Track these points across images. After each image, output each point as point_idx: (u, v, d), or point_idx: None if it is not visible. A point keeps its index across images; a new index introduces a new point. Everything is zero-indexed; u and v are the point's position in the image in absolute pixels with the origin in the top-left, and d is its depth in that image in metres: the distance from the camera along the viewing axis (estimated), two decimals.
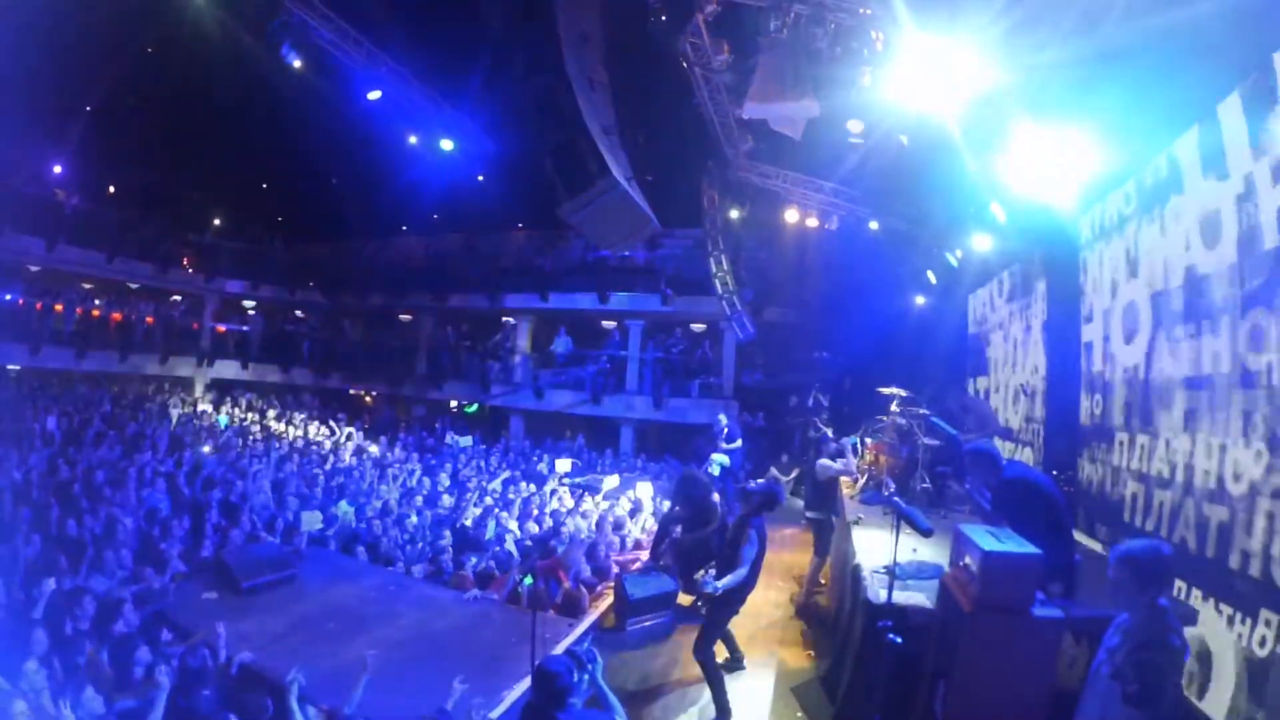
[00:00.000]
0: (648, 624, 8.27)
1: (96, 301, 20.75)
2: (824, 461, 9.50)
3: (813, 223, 15.88)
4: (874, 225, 15.16)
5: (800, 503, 11.11)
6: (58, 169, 21.91)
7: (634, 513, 12.04)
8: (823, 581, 9.29)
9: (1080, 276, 8.87)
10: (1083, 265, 8.85)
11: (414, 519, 10.56)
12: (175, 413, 18.68)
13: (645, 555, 10.17)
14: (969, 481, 5.99)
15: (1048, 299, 9.95)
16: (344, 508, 10.52)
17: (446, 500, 11.81)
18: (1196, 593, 5.41)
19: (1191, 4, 4.92)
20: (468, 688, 5.28)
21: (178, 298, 23.95)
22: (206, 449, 13.87)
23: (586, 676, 4.52)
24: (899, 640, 5.12)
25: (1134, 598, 3.43)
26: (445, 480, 13.60)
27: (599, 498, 12.79)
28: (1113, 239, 7.97)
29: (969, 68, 8.47)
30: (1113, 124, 7.10)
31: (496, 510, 11.10)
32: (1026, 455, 10.48)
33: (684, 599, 8.63)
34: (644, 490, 12.59)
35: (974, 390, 13.47)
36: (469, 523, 10.54)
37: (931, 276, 14.39)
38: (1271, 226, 4.83)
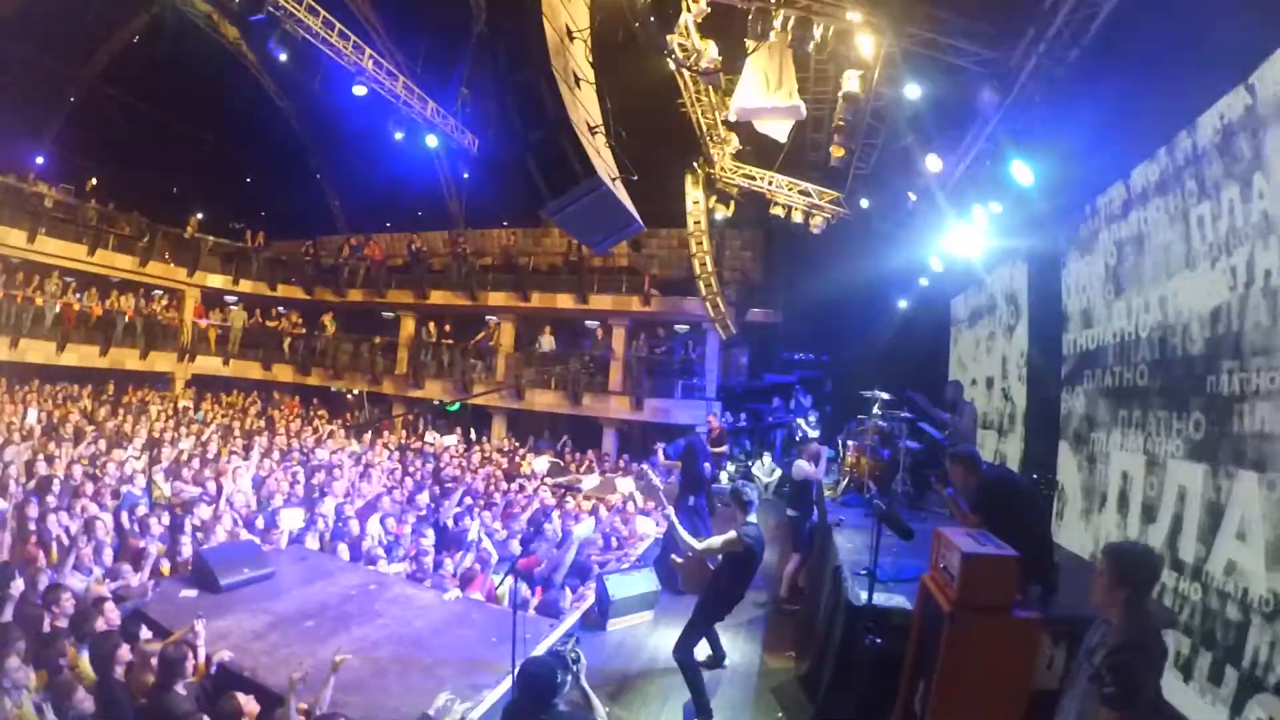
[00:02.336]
0: (629, 624, 8.28)
1: (77, 294, 20.56)
2: (799, 463, 9.54)
3: (797, 224, 15.89)
4: (862, 230, 15.23)
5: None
6: (39, 160, 21.69)
7: (620, 511, 12.05)
8: (800, 585, 9.32)
9: (1060, 278, 8.95)
10: (1063, 267, 8.93)
11: (395, 518, 10.52)
12: (155, 408, 18.54)
13: (630, 552, 10.24)
14: (950, 488, 6.02)
15: (1029, 301, 10.02)
16: (325, 506, 10.47)
17: (427, 499, 11.77)
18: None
19: None
20: (452, 698, 5.26)
21: (159, 292, 23.75)
22: (185, 445, 13.76)
23: (570, 677, 4.52)
24: (879, 641, 5.15)
25: (1110, 593, 3.45)
26: (427, 479, 13.55)
27: (580, 497, 12.78)
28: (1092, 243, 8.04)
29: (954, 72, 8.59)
30: (1092, 132, 7.20)
31: (478, 509, 11.07)
32: (1008, 454, 10.55)
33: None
34: (624, 486, 12.59)
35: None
36: (450, 522, 10.51)
37: (922, 280, 14.50)
38: None
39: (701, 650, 6.85)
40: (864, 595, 5.52)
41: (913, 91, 10.01)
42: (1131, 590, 3.44)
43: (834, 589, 6.84)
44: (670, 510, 7.13)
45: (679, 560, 6.92)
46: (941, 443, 9.20)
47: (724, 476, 16.06)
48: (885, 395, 10.21)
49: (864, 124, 12.00)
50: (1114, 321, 7.35)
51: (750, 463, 17.44)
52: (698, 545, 6.64)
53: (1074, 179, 7.88)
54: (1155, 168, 6.53)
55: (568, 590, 8.62)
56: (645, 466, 9.03)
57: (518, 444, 20.18)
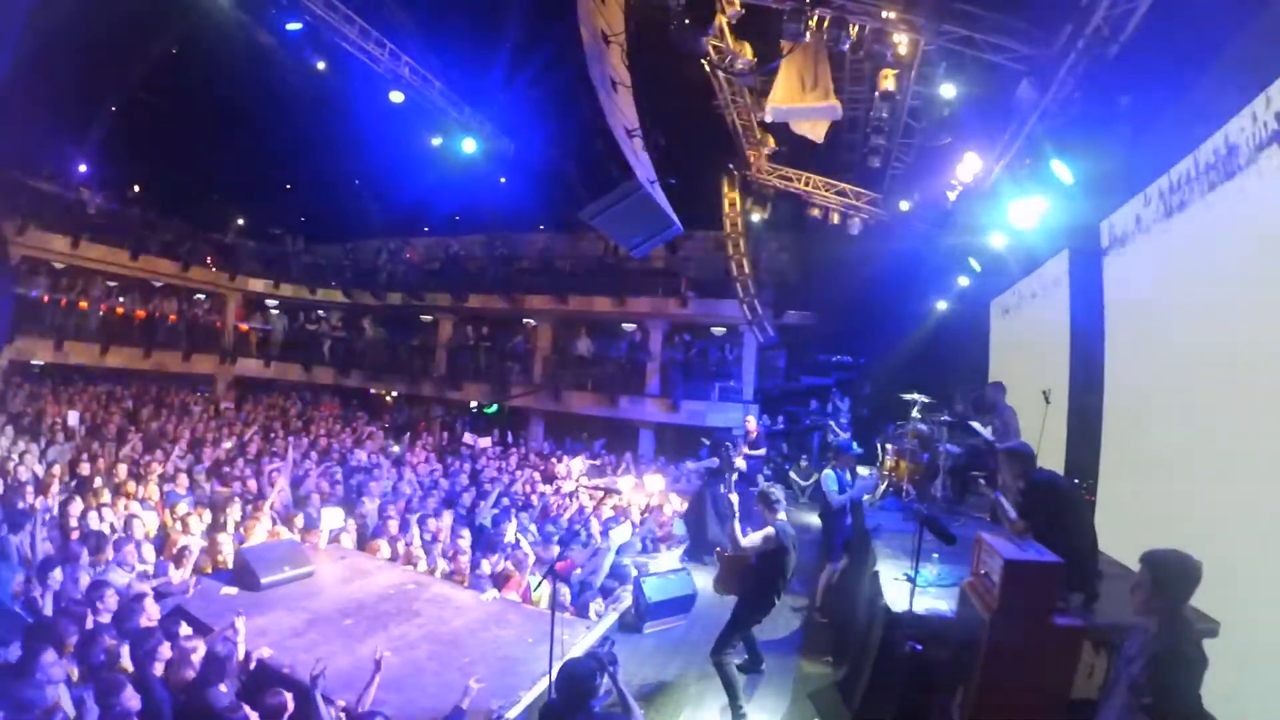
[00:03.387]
0: (665, 626, 8.27)
1: (120, 298, 20.95)
2: (827, 473, 9.41)
3: (834, 225, 15.80)
4: (900, 231, 15.11)
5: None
6: (82, 167, 22.10)
7: (656, 513, 12.04)
8: (834, 585, 9.24)
9: (1103, 278, 8.79)
10: (1105, 267, 8.77)
11: (433, 519, 10.58)
12: (197, 410, 18.81)
13: (666, 555, 10.26)
14: (998, 491, 5.95)
15: (1071, 303, 9.85)
16: (365, 506, 10.57)
17: (465, 500, 11.84)
18: None
19: None
20: (483, 686, 5.28)
21: (201, 295, 24.14)
22: (228, 445, 13.95)
23: (608, 678, 4.52)
24: (918, 647, 5.09)
25: (1149, 601, 3.39)
26: (464, 480, 13.62)
27: (617, 499, 12.77)
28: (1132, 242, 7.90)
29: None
30: (1133, 130, 7.09)
31: (515, 511, 11.11)
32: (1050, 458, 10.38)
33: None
34: (654, 482, 12.56)
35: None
36: (488, 523, 10.56)
37: (962, 280, 14.36)
38: None
39: (738, 654, 6.83)
40: (903, 601, 5.46)
41: (949, 90, 9.92)
42: (1171, 599, 3.37)
43: (872, 594, 6.78)
44: (735, 496, 7.36)
45: (723, 553, 7.01)
46: (989, 442, 9.05)
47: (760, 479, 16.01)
48: (925, 399, 10.09)
49: (901, 123, 11.91)
50: (1153, 326, 7.23)
51: (788, 466, 17.34)
52: (743, 541, 6.65)
53: (1115, 177, 7.74)
54: (1196, 167, 6.40)
55: (600, 596, 8.64)
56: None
57: (555, 446, 20.23)
